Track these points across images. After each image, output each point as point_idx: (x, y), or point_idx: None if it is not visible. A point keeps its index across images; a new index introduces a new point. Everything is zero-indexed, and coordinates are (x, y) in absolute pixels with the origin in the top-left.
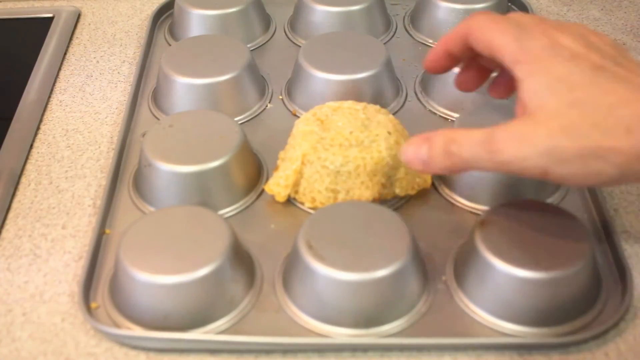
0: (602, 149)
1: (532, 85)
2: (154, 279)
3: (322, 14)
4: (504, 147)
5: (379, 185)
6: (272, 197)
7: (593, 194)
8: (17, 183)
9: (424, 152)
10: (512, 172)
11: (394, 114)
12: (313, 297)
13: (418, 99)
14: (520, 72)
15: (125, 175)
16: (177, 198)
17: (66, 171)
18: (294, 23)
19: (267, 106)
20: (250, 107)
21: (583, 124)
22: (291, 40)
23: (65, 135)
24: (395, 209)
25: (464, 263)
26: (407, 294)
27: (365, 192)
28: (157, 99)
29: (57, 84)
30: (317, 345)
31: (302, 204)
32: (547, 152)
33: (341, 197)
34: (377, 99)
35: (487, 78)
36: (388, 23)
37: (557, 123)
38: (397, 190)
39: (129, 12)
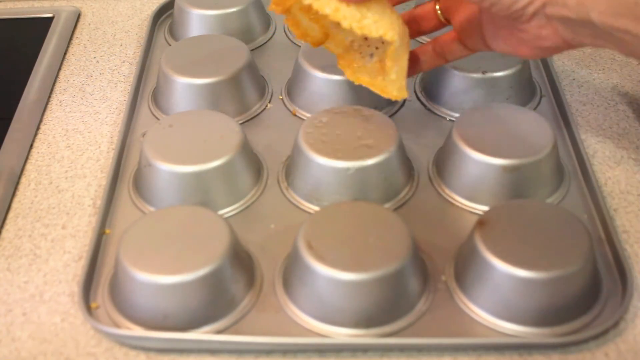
0: None
1: None
2: (154, 279)
3: None
4: None
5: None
6: (272, 197)
7: (593, 193)
8: (17, 183)
9: None
10: None
11: (393, 114)
12: (313, 297)
13: (418, 98)
14: None
15: (125, 175)
16: (177, 198)
17: (66, 171)
18: None
19: (267, 106)
20: (250, 107)
21: None
22: (291, 40)
23: (65, 135)
24: (395, 209)
25: (464, 263)
26: (407, 294)
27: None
28: (157, 99)
29: (57, 84)
30: (317, 345)
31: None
32: None
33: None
34: (380, 98)
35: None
36: None
37: None
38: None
39: (129, 12)
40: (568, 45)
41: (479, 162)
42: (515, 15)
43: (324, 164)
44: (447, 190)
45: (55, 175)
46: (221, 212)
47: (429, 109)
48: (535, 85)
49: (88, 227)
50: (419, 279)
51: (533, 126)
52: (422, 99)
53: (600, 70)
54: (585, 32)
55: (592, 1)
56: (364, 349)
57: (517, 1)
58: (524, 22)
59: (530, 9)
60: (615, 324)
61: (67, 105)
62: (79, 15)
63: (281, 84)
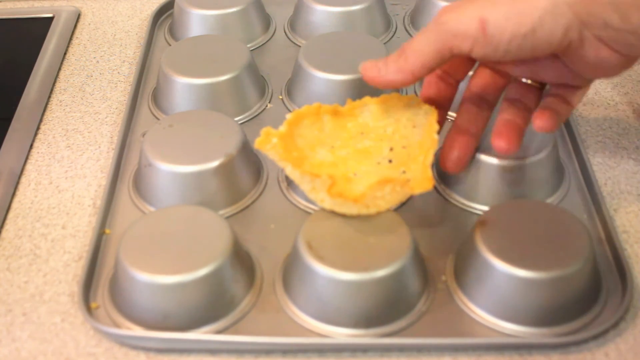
0: None
1: None
2: (154, 279)
3: (322, 14)
4: (445, 11)
5: None
6: (272, 197)
7: (593, 194)
8: (17, 183)
9: (379, 62)
10: (454, 34)
11: None
12: (313, 297)
13: None
14: None
15: (125, 175)
16: (177, 198)
17: (66, 171)
18: (294, 23)
19: (267, 106)
20: (250, 107)
21: None
22: (291, 40)
23: (65, 135)
24: (396, 209)
25: (464, 263)
26: (407, 294)
27: None
28: (157, 99)
29: (57, 84)
30: (317, 345)
31: None
32: (480, 1)
33: None
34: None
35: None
36: (388, 23)
37: None
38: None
39: (129, 12)
40: (632, 60)
41: (479, 162)
42: (561, 49)
43: None
44: (447, 190)
45: (55, 175)
46: (221, 212)
47: None
48: None
49: (88, 227)
50: (419, 279)
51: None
52: None
53: None
54: None
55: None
56: (364, 349)
57: (552, 37)
58: (577, 50)
59: (573, 35)
60: (615, 324)
61: (67, 105)
62: (79, 15)
63: (281, 84)
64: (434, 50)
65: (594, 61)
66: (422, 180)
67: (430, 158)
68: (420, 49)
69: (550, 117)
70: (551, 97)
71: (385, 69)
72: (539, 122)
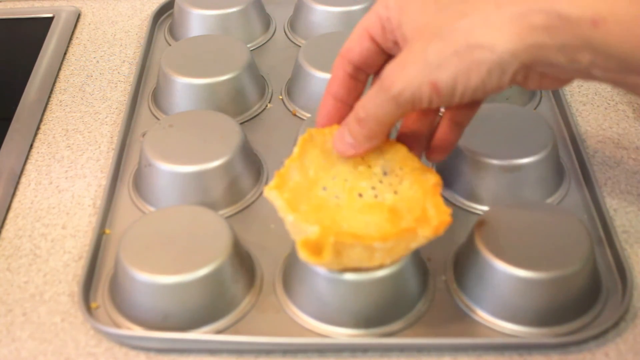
0: (475, 39)
1: (408, 16)
2: (154, 279)
3: (322, 14)
4: (393, 78)
5: None
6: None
7: (593, 194)
8: (17, 183)
9: (347, 137)
10: (412, 102)
11: None
12: (313, 297)
13: None
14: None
15: (125, 175)
16: (177, 198)
17: (66, 171)
18: (294, 23)
19: (267, 106)
20: (250, 107)
21: (450, 22)
22: (291, 40)
23: (65, 135)
24: None
25: (464, 263)
26: (407, 294)
27: None
28: (157, 99)
29: (57, 84)
30: (317, 345)
31: None
32: (425, 62)
33: None
34: None
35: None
36: None
37: (428, 32)
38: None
39: (129, 12)
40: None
41: (478, 162)
42: (499, 90)
43: None
44: (447, 190)
45: (55, 175)
46: (221, 212)
47: None
48: None
49: (88, 227)
50: (419, 279)
51: (533, 126)
52: None
53: None
54: (589, 79)
55: (589, 58)
56: (364, 349)
57: (500, 84)
58: (520, 84)
59: (519, 78)
60: (615, 324)
61: (67, 105)
62: (79, 15)
63: (281, 84)
64: (398, 116)
65: (534, 88)
66: (441, 217)
67: (438, 196)
68: (382, 119)
69: (443, 152)
70: (444, 125)
71: (358, 144)
72: (435, 156)
